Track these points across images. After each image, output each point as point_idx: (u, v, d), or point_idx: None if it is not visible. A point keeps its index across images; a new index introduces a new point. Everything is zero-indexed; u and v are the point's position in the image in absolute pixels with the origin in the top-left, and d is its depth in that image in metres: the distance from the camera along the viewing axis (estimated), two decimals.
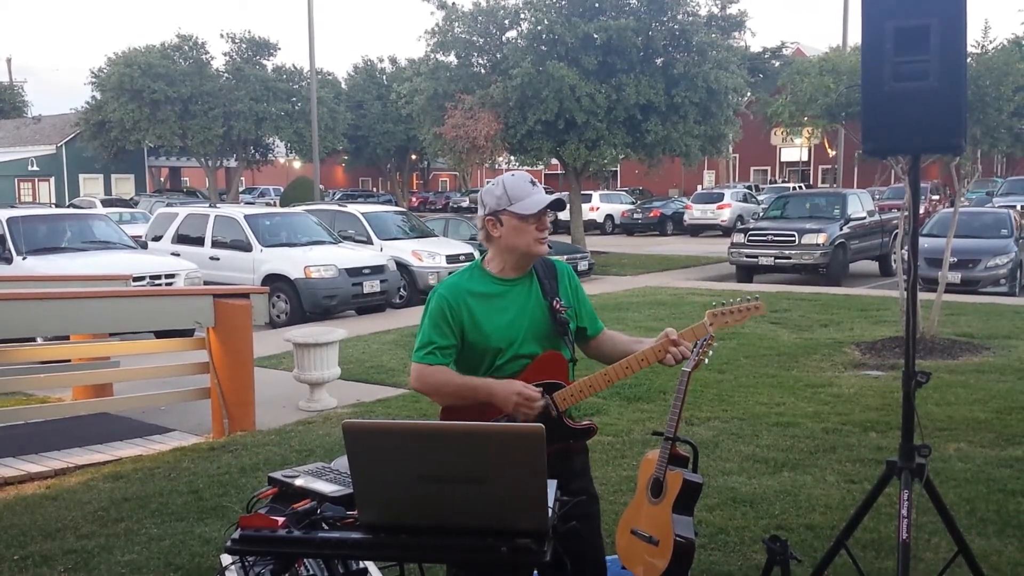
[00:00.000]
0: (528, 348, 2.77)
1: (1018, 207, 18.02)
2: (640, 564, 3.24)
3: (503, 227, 2.74)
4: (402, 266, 14.42)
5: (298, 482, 2.53)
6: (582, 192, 24.93)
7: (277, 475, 2.61)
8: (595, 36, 20.00)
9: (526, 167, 22.96)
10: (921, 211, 19.71)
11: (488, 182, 2.88)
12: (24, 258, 11.24)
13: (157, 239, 14.55)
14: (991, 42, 9.64)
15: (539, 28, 20.71)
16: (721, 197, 31.86)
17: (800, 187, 38.26)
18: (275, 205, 34.07)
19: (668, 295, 14.14)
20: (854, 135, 11.77)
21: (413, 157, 51.03)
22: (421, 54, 24.05)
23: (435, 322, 2.74)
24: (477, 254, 15.33)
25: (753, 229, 17.65)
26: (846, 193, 19.25)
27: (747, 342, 9.51)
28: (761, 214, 21.25)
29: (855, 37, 21.98)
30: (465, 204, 45.09)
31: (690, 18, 20.98)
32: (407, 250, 14.94)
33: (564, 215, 22.14)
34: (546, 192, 2.85)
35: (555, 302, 2.80)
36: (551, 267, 2.89)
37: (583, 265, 17.25)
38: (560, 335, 2.81)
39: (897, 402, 4.29)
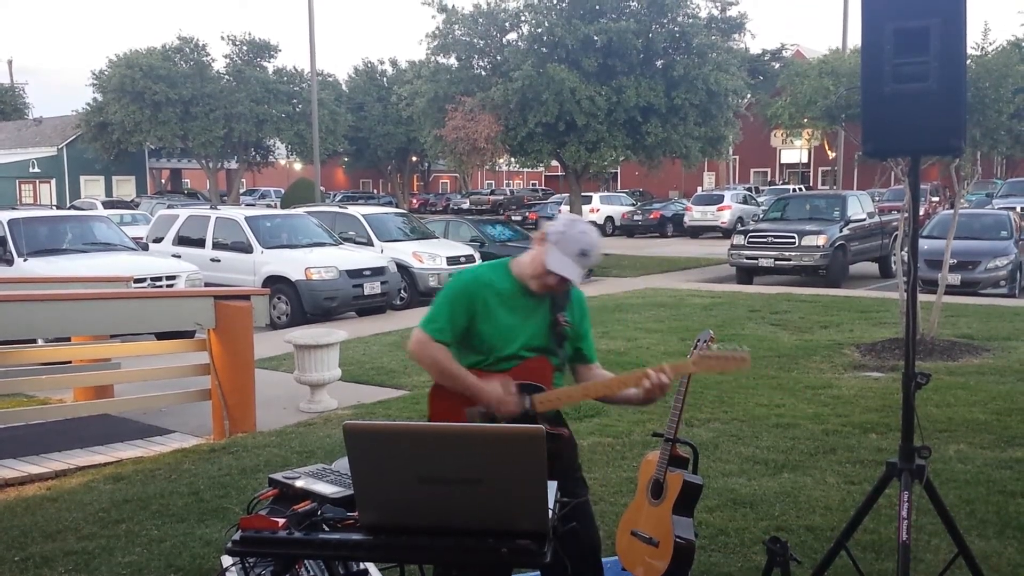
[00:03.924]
0: (523, 352, 2.91)
1: (1018, 209, 18.03)
2: (640, 565, 3.24)
3: (540, 251, 2.87)
4: (403, 268, 14.42)
5: (299, 483, 2.53)
6: (582, 194, 24.95)
7: (278, 476, 2.62)
8: (595, 38, 20.03)
9: (527, 169, 22.97)
10: (921, 213, 19.73)
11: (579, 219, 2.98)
12: (25, 260, 11.22)
13: (158, 241, 14.55)
14: (991, 44, 9.66)
15: (539, 30, 20.74)
16: (721, 199, 31.91)
17: (800, 189, 38.30)
18: (276, 207, 34.06)
19: (668, 297, 14.14)
20: (854, 137, 11.78)
21: (414, 159, 51.10)
22: (422, 56, 24.11)
23: (452, 303, 2.88)
24: (478, 256, 15.46)
25: (753, 231, 17.63)
26: (846, 195, 19.22)
27: (747, 343, 9.46)
28: (761, 216, 21.23)
29: (855, 39, 22.01)
30: (465, 206, 45.11)
31: (690, 20, 21.00)
32: (408, 252, 14.94)
33: None
34: (583, 270, 2.89)
35: (560, 316, 2.95)
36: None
37: None
38: (556, 345, 2.95)
39: (897, 403, 4.29)
